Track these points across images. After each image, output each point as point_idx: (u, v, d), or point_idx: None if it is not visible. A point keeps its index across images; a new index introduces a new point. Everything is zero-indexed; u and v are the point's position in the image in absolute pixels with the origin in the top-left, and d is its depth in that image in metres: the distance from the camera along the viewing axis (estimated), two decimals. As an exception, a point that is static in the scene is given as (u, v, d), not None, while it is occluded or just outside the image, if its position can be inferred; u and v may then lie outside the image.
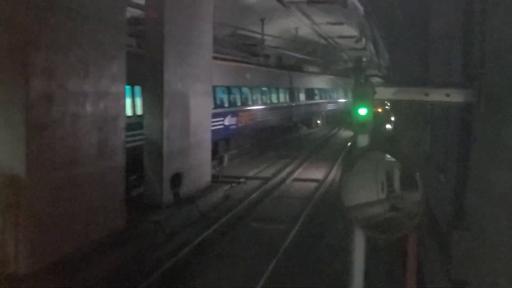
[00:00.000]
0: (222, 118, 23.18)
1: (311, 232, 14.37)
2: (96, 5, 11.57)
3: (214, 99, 21.58)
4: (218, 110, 22.28)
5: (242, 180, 20.38)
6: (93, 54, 11.46)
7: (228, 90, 24.15)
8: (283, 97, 33.85)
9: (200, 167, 17.64)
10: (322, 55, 49.96)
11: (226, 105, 23.84)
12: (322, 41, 41.80)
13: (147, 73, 15.08)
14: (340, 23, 33.56)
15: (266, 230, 14.56)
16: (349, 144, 31.69)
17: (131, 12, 16.40)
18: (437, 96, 5.21)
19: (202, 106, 17.60)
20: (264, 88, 30.10)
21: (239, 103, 25.45)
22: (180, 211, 14.87)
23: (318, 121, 45.55)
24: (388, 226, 4.63)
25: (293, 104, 35.91)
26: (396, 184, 4.59)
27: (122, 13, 12.81)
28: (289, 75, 35.89)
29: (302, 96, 38.51)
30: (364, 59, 38.85)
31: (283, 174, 22.86)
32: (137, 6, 16.94)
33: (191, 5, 16.64)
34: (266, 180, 21.10)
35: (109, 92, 12.08)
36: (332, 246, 12.94)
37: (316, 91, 42.81)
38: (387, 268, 10.35)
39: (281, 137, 34.85)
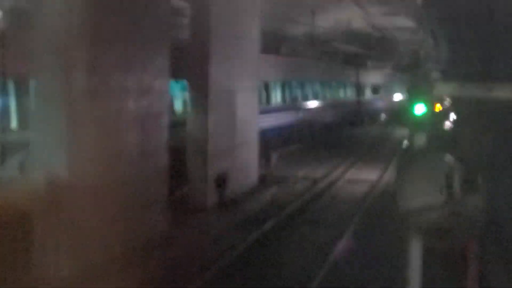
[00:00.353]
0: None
1: (362, 239, 14.20)
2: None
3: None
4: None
5: (292, 180, 20.29)
6: (136, 49, 11.58)
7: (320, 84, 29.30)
8: (351, 92, 36.05)
9: (247, 167, 17.63)
10: (377, 48, 49.48)
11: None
12: (377, 33, 41.41)
13: (191, 68, 15.17)
14: (396, 14, 33.13)
15: (316, 235, 14.47)
16: (404, 143, 31.23)
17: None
18: (502, 92, 5.10)
19: (249, 103, 17.59)
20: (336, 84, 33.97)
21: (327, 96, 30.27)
22: (224, 214, 14.90)
23: (383, 116, 46.93)
24: (447, 233, 4.54)
25: (361, 99, 37.81)
26: (456, 187, 4.49)
27: (166, 6, 12.91)
28: (357, 70, 37.58)
29: (368, 92, 40.62)
30: (421, 53, 38.39)
31: (348, 172, 22.77)
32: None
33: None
34: (318, 180, 20.97)
35: (152, 88, 12.18)
36: (385, 253, 12.78)
37: (379, 86, 44.52)
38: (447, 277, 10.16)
39: (348, 131, 35.85)
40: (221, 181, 15.61)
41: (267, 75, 24.25)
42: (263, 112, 22.59)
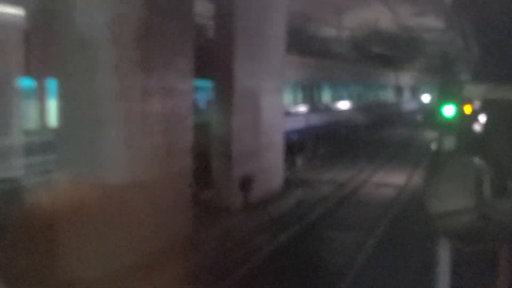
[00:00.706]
0: None
1: (390, 242, 14.15)
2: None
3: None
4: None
5: (316, 184, 20.29)
6: (159, 49, 11.65)
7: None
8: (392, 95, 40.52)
9: (272, 169, 17.63)
10: (404, 49, 49.34)
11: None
12: (405, 34, 41.23)
13: (216, 69, 15.21)
14: (425, 14, 32.94)
15: (341, 239, 14.44)
16: (432, 146, 31.07)
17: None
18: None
19: (273, 104, 17.59)
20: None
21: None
22: (248, 217, 14.92)
23: (419, 117, 48.08)
24: (477, 237, 4.51)
25: (400, 101, 42.26)
26: (486, 191, 4.46)
27: (190, 6, 12.97)
28: (396, 73, 39.79)
29: (406, 94, 43.26)
30: (451, 54, 38.25)
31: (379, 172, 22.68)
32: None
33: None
34: (344, 183, 20.93)
35: (176, 89, 12.24)
36: (413, 257, 12.72)
37: (410, 88, 47.88)
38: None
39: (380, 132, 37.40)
40: (245, 184, 15.63)
41: (294, 76, 24.52)
42: (290, 114, 22.82)
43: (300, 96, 26.63)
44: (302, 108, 26.45)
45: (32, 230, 9.98)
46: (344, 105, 32.63)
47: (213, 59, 15.25)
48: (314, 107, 27.65)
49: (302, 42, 26.77)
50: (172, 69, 12.14)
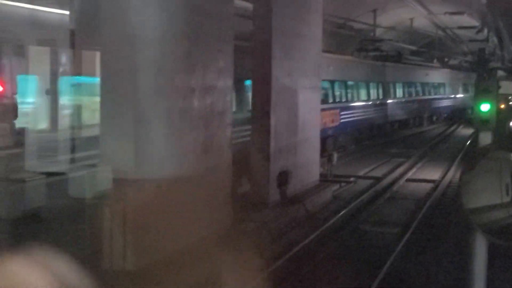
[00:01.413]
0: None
1: (426, 236, 14.00)
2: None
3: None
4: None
5: (352, 179, 20.18)
6: (199, 48, 11.71)
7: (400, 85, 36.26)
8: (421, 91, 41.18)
9: (308, 165, 17.61)
10: (439, 47, 48.91)
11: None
12: (439, 32, 40.81)
13: (254, 67, 15.24)
14: (460, 13, 32.51)
15: (377, 233, 14.36)
16: (468, 142, 30.72)
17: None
18: None
19: (310, 102, 17.57)
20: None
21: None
22: (286, 211, 14.93)
23: (445, 115, 48.64)
24: (512, 232, 4.43)
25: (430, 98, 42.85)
26: (523, 186, 4.38)
27: (229, 5, 13.00)
28: (426, 70, 41.48)
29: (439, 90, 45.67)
30: (486, 51, 37.81)
31: (395, 173, 22.46)
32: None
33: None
34: (377, 180, 20.78)
35: (215, 86, 12.30)
36: (449, 253, 12.59)
37: (444, 85, 47.51)
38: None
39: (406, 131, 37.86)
40: (282, 179, 15.63)
41: (333, 75, 24.82)
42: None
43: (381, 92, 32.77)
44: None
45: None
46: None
47: (252, 59, 15.27)
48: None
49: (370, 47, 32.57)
50: (212, 68, 12.20)
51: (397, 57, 35.78)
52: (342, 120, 26.35)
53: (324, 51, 20.92)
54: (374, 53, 32.80)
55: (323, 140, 21.42)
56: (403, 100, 36.91)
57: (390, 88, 34.14)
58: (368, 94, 30.98)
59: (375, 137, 32.60)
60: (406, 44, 39.80)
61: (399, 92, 36.51)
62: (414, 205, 17.44)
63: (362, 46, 32.47)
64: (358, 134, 30.14)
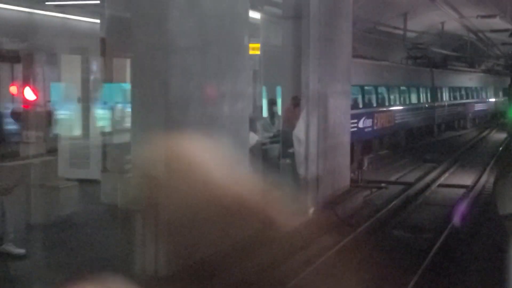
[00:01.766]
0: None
1: (460, 242, 13.81)
2: (230, 2, 11.83)
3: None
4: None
5: (383, 185, 20.02)
6: (230, 56, 11.74)
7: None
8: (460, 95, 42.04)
9: (339, 170, 17.53)
10: (471, 51, 48.38)
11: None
12: (471, 36, 40.39)
13: (283, 74, 15.24)
14: (492, 16, 32.09)
15: (409, 239, 14.22)
16: (501, 148, 30.25)
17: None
18: None
19: (340, 107, 17.51)
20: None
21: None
22: (316, 216, 14.87)
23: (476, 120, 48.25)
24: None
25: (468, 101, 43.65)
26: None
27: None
28: (462, 75, 42.52)
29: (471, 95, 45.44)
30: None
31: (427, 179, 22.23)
32: (274, 4, 17.19)
33: (329, 0, 16.59)
34: (408, 185, 20.58)
35: (245, 93, 12.31)
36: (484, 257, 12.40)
37: (478, 90, 47.33)
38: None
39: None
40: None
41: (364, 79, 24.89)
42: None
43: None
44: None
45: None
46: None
47: (281, 65, 15.28)
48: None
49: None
50: (242, 75, 12.22)
51: (443, 63, 38.41)
52: (396, 121, 28.61)
53: (378, 59, 25.62)
54: (423, 60, 35.46)
55: (381, 138, 26.23)
56: (448, 103, 38.90)
57: (437, 92, 36.42)
58: (418, 98, 33.24)
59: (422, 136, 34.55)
60: (437, 48, 39.49)
61: (445, 96, 38.69)
62: (446, 210, 17.22)
63: (410, 54, 34.81)
64: (409, 134, 32.27)
